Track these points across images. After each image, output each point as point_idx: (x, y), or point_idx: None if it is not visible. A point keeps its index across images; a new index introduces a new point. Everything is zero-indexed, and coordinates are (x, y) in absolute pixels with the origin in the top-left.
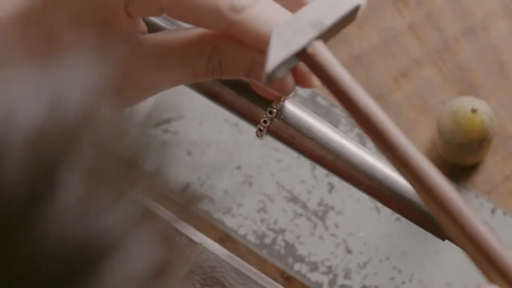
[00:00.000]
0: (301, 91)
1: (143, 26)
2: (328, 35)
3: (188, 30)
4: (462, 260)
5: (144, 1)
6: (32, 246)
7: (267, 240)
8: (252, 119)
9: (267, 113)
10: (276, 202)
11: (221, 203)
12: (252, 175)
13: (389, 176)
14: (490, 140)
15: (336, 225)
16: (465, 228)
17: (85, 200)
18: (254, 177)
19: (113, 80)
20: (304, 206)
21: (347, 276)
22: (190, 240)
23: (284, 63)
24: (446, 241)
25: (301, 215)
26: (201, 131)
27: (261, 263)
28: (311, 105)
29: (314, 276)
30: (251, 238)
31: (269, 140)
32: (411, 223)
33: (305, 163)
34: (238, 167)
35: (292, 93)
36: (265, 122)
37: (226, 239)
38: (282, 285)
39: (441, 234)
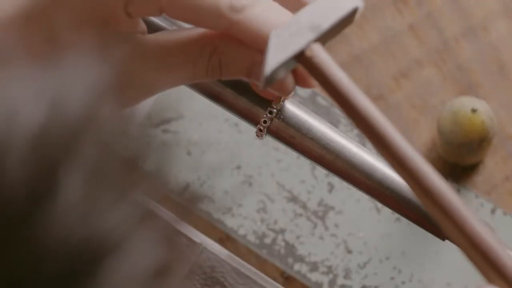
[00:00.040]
0: (301, 91)
1: (143, 26)
2: (326, 37)
3: (188, 30)
4: (462, 260)
5: (143, 1)
6: (34, 246)
7: (267, 240)
8: (252, 119)
9: (267, 113)
10: (276, 202)
11: (221, 203)
12: (252, 175)
13: (389, 176)
14: (490, 140)
15: (336, 225)
16: (464, 230)
17: (87, 200)
18: (254, 177)
19: (114, 80)
20: (304, 206)
21: (347, 276)
22: (190, 240)
23: (282, 66)
24: (446, 241)
25: (301, 215)
26: (201, 131)
27: (261, 263)
28: (311, 105)
29: (314, 276)
30: (251, 238)
31: (269, 140)
32: (411, 223)
33: (305, 163)
34: (238, 167)
35: (292, 93)
36: (265, 122)
37: (226, 239)
38: (282, 285)
39: (441, 234)
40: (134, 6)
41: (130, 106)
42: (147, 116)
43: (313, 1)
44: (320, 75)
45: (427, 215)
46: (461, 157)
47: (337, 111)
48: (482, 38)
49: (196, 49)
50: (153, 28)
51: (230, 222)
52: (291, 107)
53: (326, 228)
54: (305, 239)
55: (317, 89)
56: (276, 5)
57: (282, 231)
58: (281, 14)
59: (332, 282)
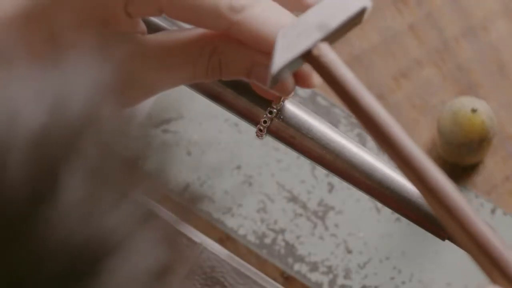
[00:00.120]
0: (301, 91)
1: (143, 27)
2: (333, 37)
3: (188, 31)
4: (462, 260)
5: (143, 1)
6: (34, 246)
7: (267, 240)
8: (252, 119)
9: (267, 113)
10: (276, 202)
11: (221, 203)
12: (252, 175)
13: (389, 176)
14: (490, 140)
15: (336, 225)
16: (468, 229)
17: (88, 201)
18: (254, 177)
19: (114, 80)
20: (304, 206)
21: (347, 276)
22: (190, 240)
23: (289, 65)
24: (446, 241)
25: (301, 215)
26: (201, 131)
27: (261, 263)
28: (311, 105)
29: (314, 276)
30: (251, 238)
31: (269, 140)
32: (411, 223)
33: (305, 163)
34: (238, 167)
35: (292, 93)
36: (265, 122)
37: (226, 239)
38: (282, 285)
39: (441, 234)
40: (134, 6)
41: (130, 106)
42: (147, 116)
43: (320, 1)
44: (327, 74)
45: (427, 215)
46: (461, 157)
47: (337, 111)
48: (482, 38)
49: (196, 49)
50: (153, 28)
51: (230, 222)
52: (291, 107)
53: (326, 228)
54: (305, 239)
55: (317, 89)
56: (276, 5)
57: (282, 231)
58: (281, 14)
59: (332, 282)
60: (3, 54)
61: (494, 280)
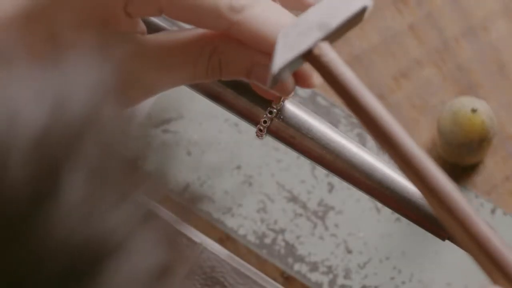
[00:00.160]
0: (301, 91)
1: (143, 27)
2: (334, 36)
3: (188, 31)
4: (462, 260)
5: (143, 1)
6: (34, 246)
7: (267, 240)
8: (252, 119)
9: (267, 113)
10: (276, 202)
11: (221, 203)
12: (252, 175)
13: (389, 176)
14: (490, 140)
15: (336, 225)
16: (469, 229)
17: (89, 201)
18: (254, 177)
19: (115, 80)
20: (304, 206)
21: (347, 276)
22: (190, 240)
23: (290, 65)
24: (446, 241)
25: (301, 215)
26: (201, 131)
27: (261, 263)
28: (311, 105)
29: (314, 276)
30: (251, 238)
31: (269, 140)
32: (411, 223)
33: (305, 163)
34: (238, 167)
35: (292, 93)
36: (265, 122)
37: (226, 239)
38: (282, 285)
39: (441, 234)
40: (134, 6)
41: (131, 106)
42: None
43: (320, 0)
44: (328, 73)
45: (427, 215)
46: (461, 157)
47: (337, 111)
48: (482, 38)
49: (196, 49)
50: (153, 28)
51: (230, 222)
52: (291, 107)
53: (326, 228)
54: (305, 239)
55: (317, 89)
56: (276, 5)
57: (282, 231)
58: (281, 14)
59: (332, 282)
60: (3, 54)
61: (494, 281)
